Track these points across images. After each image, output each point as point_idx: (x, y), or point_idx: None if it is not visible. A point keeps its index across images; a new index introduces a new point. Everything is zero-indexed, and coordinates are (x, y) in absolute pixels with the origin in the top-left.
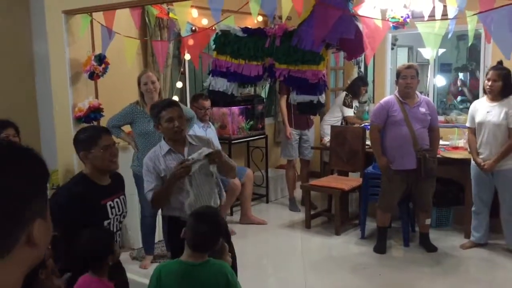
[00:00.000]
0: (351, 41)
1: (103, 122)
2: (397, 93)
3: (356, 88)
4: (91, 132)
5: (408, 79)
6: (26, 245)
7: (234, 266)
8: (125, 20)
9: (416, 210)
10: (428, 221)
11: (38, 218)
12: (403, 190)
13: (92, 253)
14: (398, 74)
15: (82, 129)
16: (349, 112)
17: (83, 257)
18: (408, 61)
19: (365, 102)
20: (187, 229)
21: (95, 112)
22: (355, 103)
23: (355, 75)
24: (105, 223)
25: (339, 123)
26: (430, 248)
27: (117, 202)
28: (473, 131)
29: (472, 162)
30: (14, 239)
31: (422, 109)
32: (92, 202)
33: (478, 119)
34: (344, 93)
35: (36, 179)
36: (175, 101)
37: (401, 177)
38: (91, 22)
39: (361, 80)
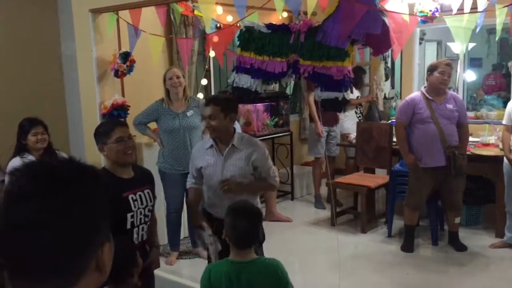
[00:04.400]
0: (378, 37)
1: (130, 119)
2: (423, 89)
3: (358, 78)
4: (106, 126)
5: (446, 75)
6: (95, 270)
7: None
8: (150, 18)
9: (445, 208)
10: (458, 220)
11: (106, 242)
12: (431, 188)
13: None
14: (435, 68)
15: (100, 123)
16: (351, 96)
17: None
18: (437, 56)
19: (392, 98)
20: (226, 228)
21: (118, 109)
22: (357, 93)
23: (382, 71)
24: (128, 215)
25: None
26: (459, 247)
27: (140, 195)
28: (509, 128)
29: (505, 160)
30: (86, 266)
31: (450, 106)
32: (113, 195)
33: None
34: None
35: (105, 202)
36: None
37: (429, 175)
38: (118, 20)
39: (361, 69)
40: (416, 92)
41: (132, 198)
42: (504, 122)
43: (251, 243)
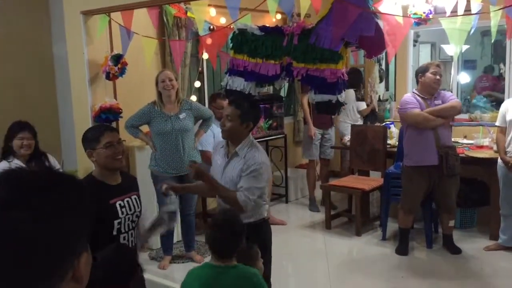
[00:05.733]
0: (371, 39)
1: (122, 122)
2: (416, 91)
3: (356, 80)
4: (94, 131)
5: (438, 75)
6: (72, 280)
7: (266, 273)
8: (143, 20)
9: (439, 211)
10: (452, 223)
11: (84, 253)
12: (425, 189)
13: (112, 273)
14: (426, 69)
15: (88, 129)
16: (364, 105)
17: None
18: (431, 58)
19: (386, 100)
20: (207, 237)
21: (105, 112)
22: (364, 104)
23: (376, 73)
24: (115, 222)
25: (359, 121)
26: (454, 250)
27: (127, 201)
28: (503, 130)
29: (499, 162)
30: (62, 276)
31: (438, 102)
32: (100, 202)
33: (510, 117)
34: (351, 90)
35: (84, 212)
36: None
37: (422, 175)
38: (109, 22)
39: (357, 72)
40: (408, 94)
41: (120, 204)
42: (497, 123)
43: (231, 253)
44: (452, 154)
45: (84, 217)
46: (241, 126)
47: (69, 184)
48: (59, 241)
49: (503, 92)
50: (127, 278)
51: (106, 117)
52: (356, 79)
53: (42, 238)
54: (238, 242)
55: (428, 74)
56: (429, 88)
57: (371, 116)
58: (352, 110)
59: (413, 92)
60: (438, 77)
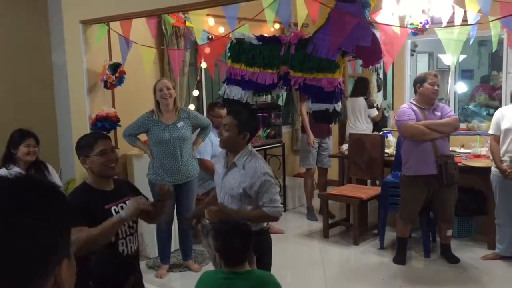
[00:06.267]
0: (367, 49)
1: (120, 130)
2: (413, 101)
3: (367, 87)
4: (88, 139)
5: (436, 85)
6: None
7: None
8: (141, 29)
9: (437, 220)
10: (450, 232)
11: (65, 259)
12: (423, 198)
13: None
14: (424, 79)
15: (81, 136)
16: (375, 112)
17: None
18: (428, 68)
19: (384, 109)
20: (216, 247)
21: (101, 121)
22: (375, 111)
23: (374, 82)
24: None
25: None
26: (451, 259)
27: (122, 206)
28: (497, 138)
29: (493, 171)
30: (43, 283)
31: (438, 113)
32: (96, 208)
33: (506, 125)
34: (361, 98)
35: (62, 219)
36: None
37: (421, 185)
38: (108, 31)
39: (364, 80)
40: (405, 104)
41: (115, 210)
42: (491, 132)
43: (242, 260)
44: (451, 163)
45: (63, 223)
46: (238, 137)
47: (48, 190)
48: (38, 247)
49: (498, 101)
50: (120, 283)
51: (102, 125)
52: (363, 87)
53: (20, 244)
54: (249, 247)
55: (426, 85)
56: (427, 99)
57: (382, 121)
58: (364, 118)
59: (411, 102)
60: (436, 87)
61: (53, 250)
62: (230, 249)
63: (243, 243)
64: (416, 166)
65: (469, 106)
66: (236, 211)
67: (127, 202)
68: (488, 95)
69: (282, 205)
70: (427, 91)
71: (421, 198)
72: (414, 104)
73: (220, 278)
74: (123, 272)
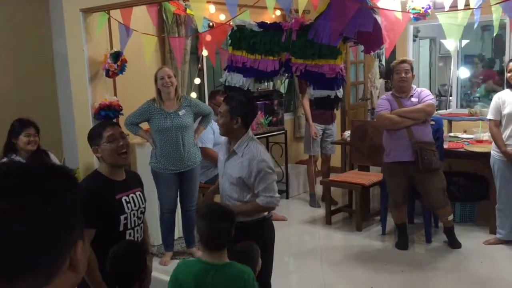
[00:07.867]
0: (369, 35)
1: (123, 119)
2: (393, 91)
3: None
4: (97, 127)
5: (402, 73)
6: (69, 270)
7: (264, 272)
8: (142, 17)
9: (429, 207)
10: (450, 217)
11: (80, 241)
12: (405, 184)
13: (121, 270)
14: (392, 70)
15: (92, 127)
16: None
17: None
18: (430, 53)
19: None
20: (198, 229)
21: (105, 110)
22: None
23: (376, 68)
24: (122, 217)
25: None
26: (454, 244)
27: (132, 197)
28: (497, 123)
29: (494, 155)
30: (59, 265)
31: (415, 100)
32: (107, 197)
33: (508, 110)
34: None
35: (77, 200)
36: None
37: (400, 170)
38: (109, 20)
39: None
40: (383, 95)
41: (125, 200)
42: (491, 117)
43: (221, 245)
44: (429, 149)
45: (77, 205)
46: (231, 122)
47: (61, 173)
48: (54, 228)
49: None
50: (136, 277)
51: (106, 114)
52: (388, 72)
53: (35, 226)
54: (229, 233)
55: (394, 75)
56: (397, 88)
57: None
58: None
59: (391, 93)
60: (403, 75)
61: (68, 231)
62: (210, 231)
63: (224, 226)
64: (394, 153)
65: (475, 95)
66: (230, 207)
67: (137, 193)
68: (493, 81)
69: (278, 195)
70: (395, 81)
71: (402, 184)
72: (392, 94)
73: (196, 267)
74: (142, 264)
